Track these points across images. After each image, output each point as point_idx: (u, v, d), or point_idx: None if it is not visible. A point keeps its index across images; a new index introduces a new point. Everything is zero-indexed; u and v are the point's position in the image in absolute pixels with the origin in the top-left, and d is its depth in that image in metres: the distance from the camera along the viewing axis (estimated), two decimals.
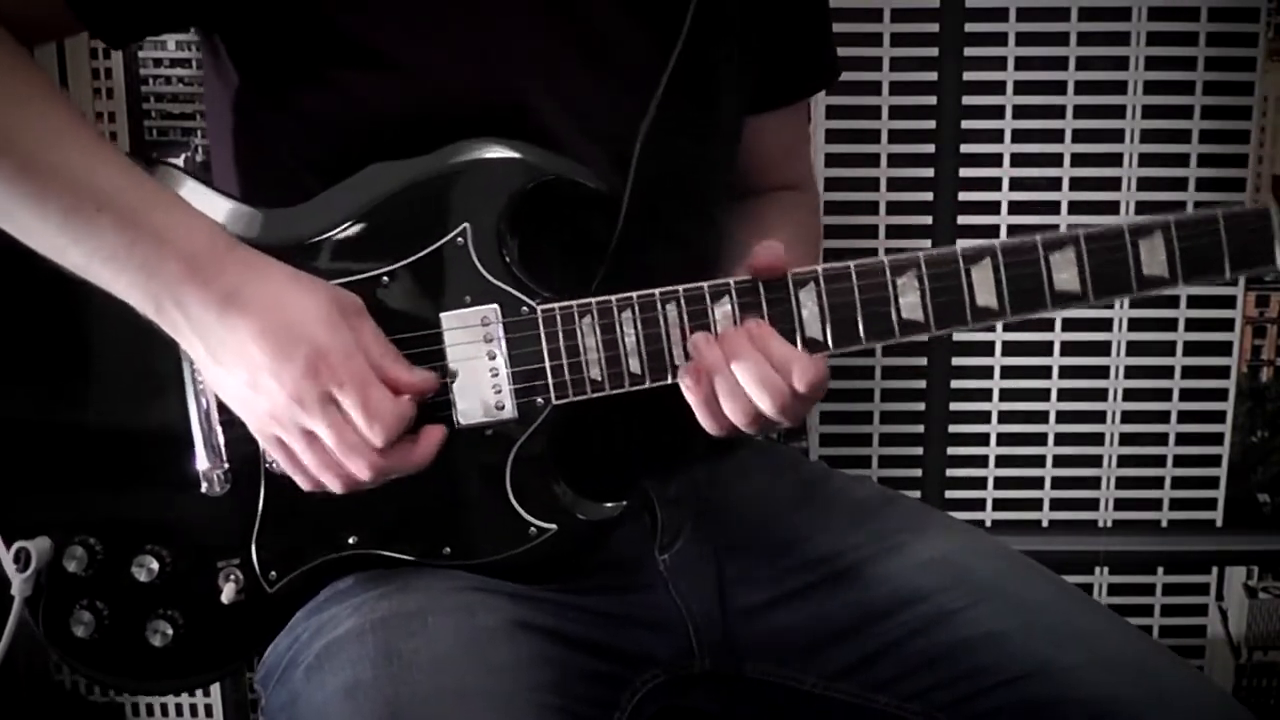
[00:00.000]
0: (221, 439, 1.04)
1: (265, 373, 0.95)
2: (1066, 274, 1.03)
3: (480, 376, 1.04)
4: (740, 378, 1.00)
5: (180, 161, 1.68)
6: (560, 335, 1.03)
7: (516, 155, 1.04)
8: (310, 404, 0.95)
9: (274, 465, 1.03)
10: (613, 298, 1.03)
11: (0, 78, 0.98)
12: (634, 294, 1.03)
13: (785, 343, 1.01)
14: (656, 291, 1.03)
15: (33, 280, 1.02)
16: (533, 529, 1.06)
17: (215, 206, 1.05)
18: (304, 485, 1.01)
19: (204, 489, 1.05)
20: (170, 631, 1.07)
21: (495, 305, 1.03)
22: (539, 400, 1.04)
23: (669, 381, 1.03)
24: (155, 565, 1.06)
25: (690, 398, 1.02)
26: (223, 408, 1.02)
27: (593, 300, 1.03)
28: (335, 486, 1.00)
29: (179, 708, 1.85)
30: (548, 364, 1.04)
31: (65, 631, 1.08)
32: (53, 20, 1.03)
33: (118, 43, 1.10)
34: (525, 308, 1.04)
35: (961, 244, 1.03)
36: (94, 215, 0.94)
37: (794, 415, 1.02)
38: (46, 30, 1.08)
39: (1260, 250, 1.03)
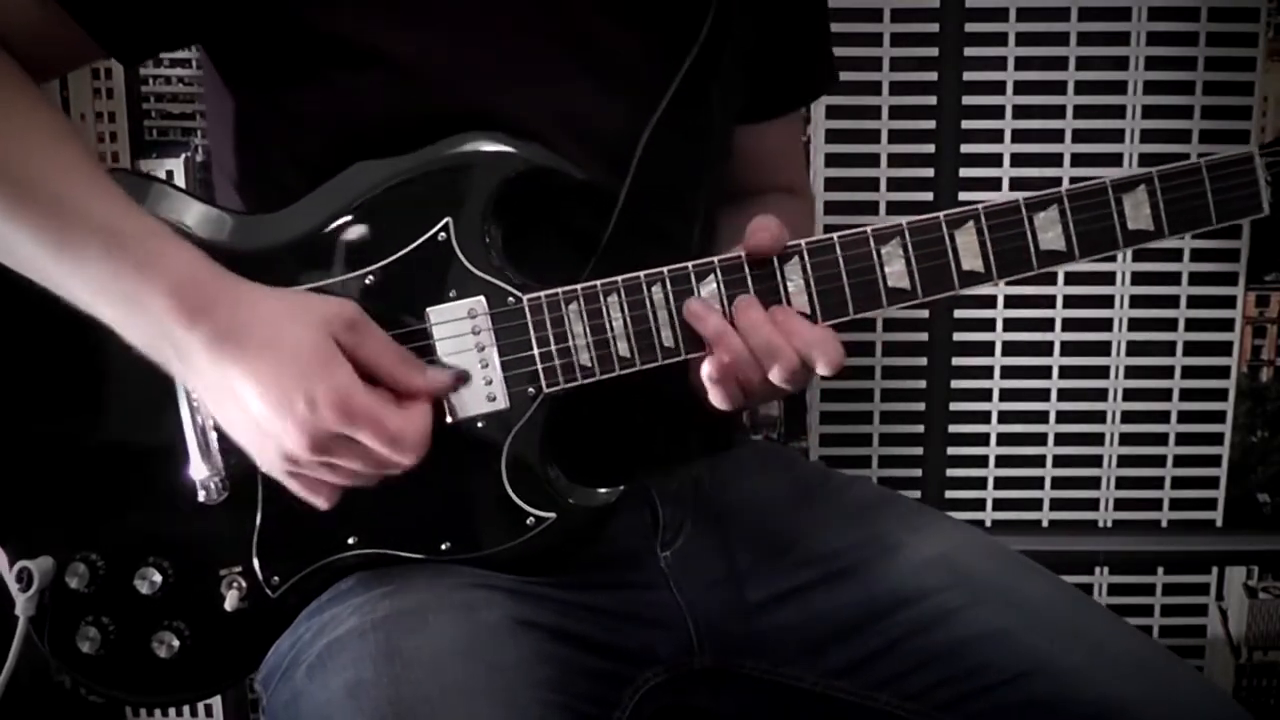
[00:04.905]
0: (216, 447, 1.04)
1: (268, 424, 0.94)
2: (1051, 233, 1.03)
3: (471, 369, 1.04)
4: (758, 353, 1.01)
5: (180, 162, 1.68)
6: (548, 323, 1.03)
7: (497, 148, 1.04)
8: (322, 446, 0.95)
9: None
10: (598, 282, 1.03)
11: (2, 108, 0.98)
12: (619, 278, 1.03)
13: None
14: (642, 274, 1.03)
15: (25, 303, 1.01)
16: (531, 518, 1.06)
17: (199, 215, 1.05)
18: (322, 505, 1.00)
19: (201, 498, 1.05)
20: (176, 643, 1.07)
21: (481, 297, 1.03)
22: (530, 390, 1.04)
23: (659, 362, 1.04)
24: (158, 577, 1.06)
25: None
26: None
27: (578, 286, 1.03)
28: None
29: (179, 707, 1.85)
30: (537, 352, 1.04)
31: (71, 648, 1.08)
32: (66, 45, 1.03)
33: (131, 61, 1.09)
34: (511, 298, 1.03)
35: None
36: (81, 248, 0.94)
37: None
38: (59, 59, 1.08)
39: (1246, 196, 1.03)
